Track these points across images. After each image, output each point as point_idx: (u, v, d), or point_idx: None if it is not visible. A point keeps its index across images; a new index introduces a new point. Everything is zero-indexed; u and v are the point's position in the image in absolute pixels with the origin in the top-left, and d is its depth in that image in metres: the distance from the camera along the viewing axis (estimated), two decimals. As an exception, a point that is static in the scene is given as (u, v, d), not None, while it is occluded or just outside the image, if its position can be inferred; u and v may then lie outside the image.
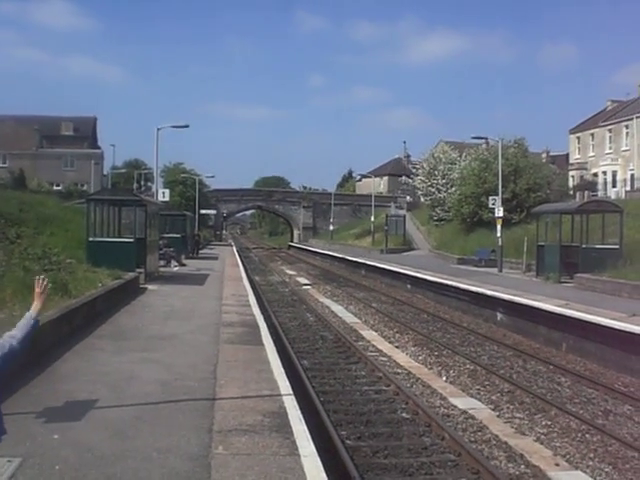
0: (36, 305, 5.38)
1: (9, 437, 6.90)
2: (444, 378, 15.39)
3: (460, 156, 63.90)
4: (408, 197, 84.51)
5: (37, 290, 5.46)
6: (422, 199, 71.54)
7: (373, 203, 75.86)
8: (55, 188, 74.91)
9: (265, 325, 15.58)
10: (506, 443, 10.71)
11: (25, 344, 4.97)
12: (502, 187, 37.80)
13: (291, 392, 9.09)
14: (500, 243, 34.81)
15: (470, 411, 12.52)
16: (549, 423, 11.85)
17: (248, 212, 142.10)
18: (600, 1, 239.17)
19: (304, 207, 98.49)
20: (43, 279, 5.49)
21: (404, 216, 67.43)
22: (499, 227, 35.13)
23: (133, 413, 7.92)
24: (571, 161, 69.18)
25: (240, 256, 54.06)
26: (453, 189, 57.54)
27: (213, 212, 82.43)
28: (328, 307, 28.11)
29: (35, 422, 7.42)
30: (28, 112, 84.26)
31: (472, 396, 13.80)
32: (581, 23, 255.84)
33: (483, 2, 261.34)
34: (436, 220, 63.03)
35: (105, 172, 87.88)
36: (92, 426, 7.38)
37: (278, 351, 12.48)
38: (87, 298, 15.25)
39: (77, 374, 9.91)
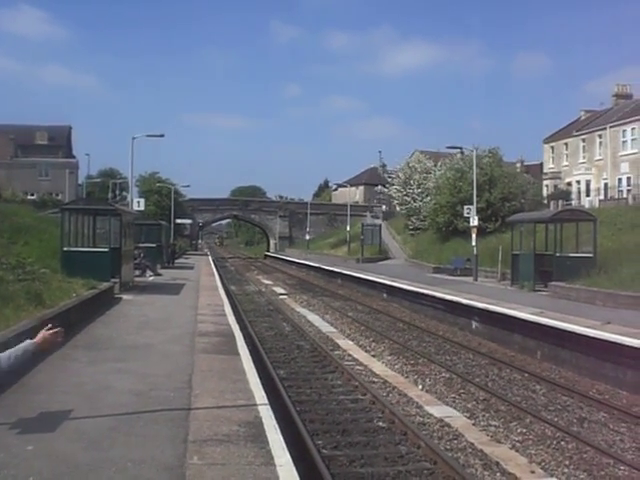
0: (41, 344, 5.56)
1: (-19, 448, 6.87)
2: (420, 387, 15.43)
3: (435, 165, 64.28)
4: (384, 206, 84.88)
5: (49, 333, 5.62)
6: (398, 208, 71.88)
7: (349, 212, 76.04)
8: (29, 197, 74.23)
9: (241, 335, 15.52)
10: (482, 451, 10.75)
11: (11, 369, 5.05)
12: (477, 196, 38.05)
13: (267, 402, 9.05)
14: (475, 252, 34.99)
15: (446, 419, 12.55)
16: (524, 431, 11.91)
17: (224, 222, 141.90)
18: (573, 12, 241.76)
19: (280, 217, 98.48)
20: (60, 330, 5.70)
21: (380, 225, 67.59)
22: (474, 236, 35.30)
23: (108, 424, 7.86)
24: (545, 170, 69.65)
25: (216, 266, 53.89)
26: (428, 198, 57.86)
27: (189, 221, 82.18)
28: (304, 316, 28.09)
29: (9, 433, 7.33)
30: (1, 121, 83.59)
31: (448, 404, 13.84)
32: (555, 33, 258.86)
33: (458, 12, 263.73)
34: (412, 229, 63.28)
35: (80, 181, 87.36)
36: (66, 437, 7.31)
37: (254, 361, 12.44)
38: (61, 308, 15.13)
39: (51, 385, 9.81)
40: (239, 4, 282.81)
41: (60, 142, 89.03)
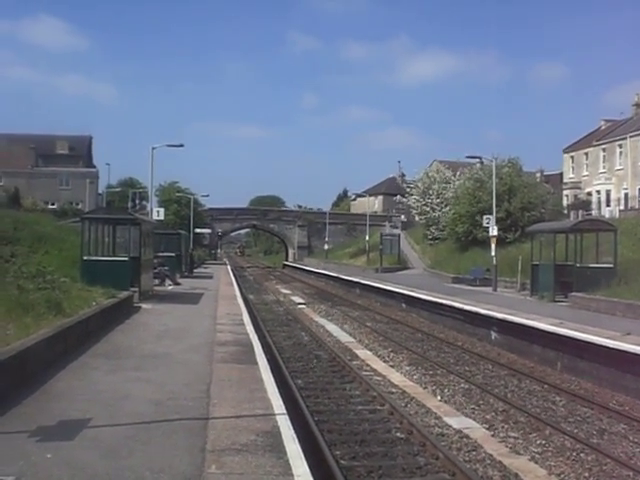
0: None
1: (2, 456, 6.92)
2: (439, 397, 15.36)
3: (454, 175, 64.23)
4: (403, 216, 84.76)
5: None
6: (417, 218, 71.80)
7: (368, 222, 75.99)
8: (50, 207, 74.86)
9: (259, 344, 15.54)
10: (501, 462, 10.69)
11: None
12: (496, 206, 37.90)
13: (285, 411, 9.06)
14: (494, 262, 34.84)
15: (465, 430, 12.49)
16: (544, 442, 11.83)
17: (243, 231, 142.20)
18: (591, 20, 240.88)
19: (299, 226, 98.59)
20: None
21: (399, 235, 67.54)
22: (493, 246, 35.16)
23: (126, 432, 7.89)
24: (565, 180, 69.42)
25: (235, 275, 53.99)
26: (447, 208, 57.76)
27: (208, 231, 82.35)
28: (323, 326, 28.07)
29: (28, 441, 7.38)
30: (23, 131, 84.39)
31: (467, 415, 13.77)
32: (573, 42, 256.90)
33: (475, 21, 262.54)
34: (431, 239, 63.19)
35: (100, 191, 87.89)
36: (85, 445, 7.35)
37: (272, 370, 12.45)
38: (81, 317, 15.20)
39: (70, 393, 9.87)
40: (256, 13, 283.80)
41: (80, 152, 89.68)
